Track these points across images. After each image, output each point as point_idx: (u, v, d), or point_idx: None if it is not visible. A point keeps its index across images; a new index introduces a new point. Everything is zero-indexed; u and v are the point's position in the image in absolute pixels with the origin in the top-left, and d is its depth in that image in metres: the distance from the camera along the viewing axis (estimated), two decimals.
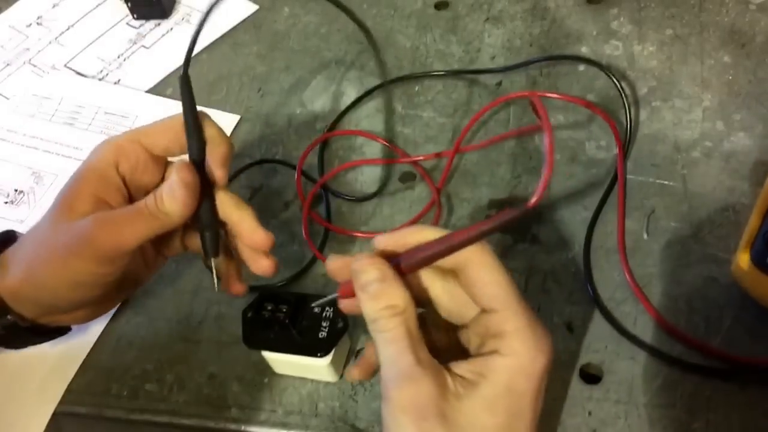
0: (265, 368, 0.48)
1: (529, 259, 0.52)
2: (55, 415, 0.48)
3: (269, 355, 0.45)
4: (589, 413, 0.44)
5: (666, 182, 0.54)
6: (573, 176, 0.56)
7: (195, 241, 0.45)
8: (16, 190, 0.60)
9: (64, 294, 0.41)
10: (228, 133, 0.63)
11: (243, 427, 0.46)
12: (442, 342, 0.37)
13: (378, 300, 0.32)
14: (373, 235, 0.53)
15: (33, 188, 0.60)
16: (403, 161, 0.59)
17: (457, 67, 0.66)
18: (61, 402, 0.48)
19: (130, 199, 0.43)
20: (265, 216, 0.57)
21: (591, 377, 0.46)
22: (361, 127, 0.62)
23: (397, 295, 0.33)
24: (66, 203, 0.41)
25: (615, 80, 0.60)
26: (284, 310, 0.43)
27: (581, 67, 0.63)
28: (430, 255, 0.33)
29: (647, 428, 0.43)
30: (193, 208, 0.41)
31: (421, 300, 0.36)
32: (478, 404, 0.31)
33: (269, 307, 0.44)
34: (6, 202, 0.59)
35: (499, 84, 0.64)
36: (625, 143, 0.57)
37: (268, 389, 0.48)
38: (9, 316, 0.42)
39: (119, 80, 0.69)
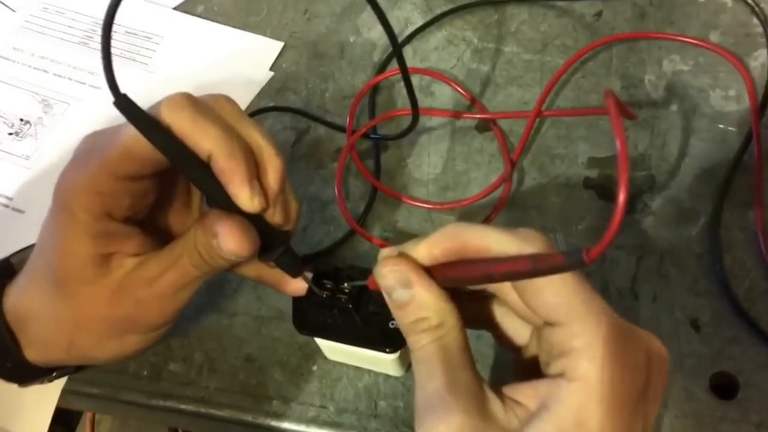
0: (314, 352, 0.40)
1: (641, 235, 0.42)
2: (65, 393, 0.40)
3: (324, 343, 0.37)
4: None
5: None
6: (695, 132, 0.46)
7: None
8: (21, 120, 0.51)
9: (114, 360, 0.36)
10: (269, 62, 0.53)
11: (286, 425, 0.38)
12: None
13: (404, 310, 0.28)
14: (431, 205, 0.44)
15: (41, 118, 0.51)
16: (473, 116, 0.48)
17: None
18: (71, 379, 0.40)
19: (143, 222, 0.34)
20: (310, 165, 0.47)
21: (724, 390, 0.37)
22: (429, 61, 0.52)
23: (427, 306, 0.27)
24: (72, 274, 0.32)
25: (756, 6, 0.48)
26: (346, 290, 0.34)
27: None
28: (459, 278, 0.28)
29: None
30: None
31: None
32: None
33: (328, 285, 0.35)
34: (10, 134, 0.50)
35: (599, 15, 0.52)
36: (763, 94, 0.46)
37: (316, 379, 0.39)
38: (54, 373, 0.38)
39: None
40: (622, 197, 0.22)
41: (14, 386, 0.38)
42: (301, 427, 0.38)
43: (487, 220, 0.43)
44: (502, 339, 0.32)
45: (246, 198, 0.30)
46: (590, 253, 0.23)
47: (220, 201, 0.30)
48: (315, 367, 0.40)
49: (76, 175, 0.31)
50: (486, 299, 0.31)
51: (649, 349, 0.26)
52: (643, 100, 0.48)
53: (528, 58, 0.51)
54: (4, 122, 0.51)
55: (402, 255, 0.29)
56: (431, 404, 0.26)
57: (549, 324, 0.27)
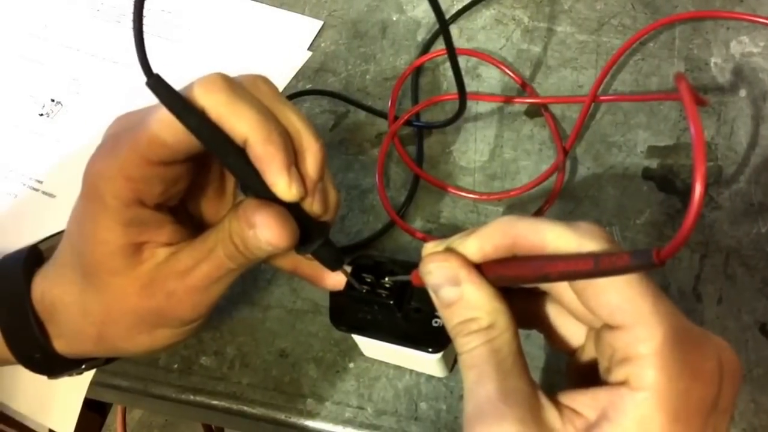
0: (350, 348, 0.38)
1: (705, 231, 0.39)
2: (94, 386, 0.39)
3: (362, 339, 0.34)
4: None
5: None
6: (765, 120, 0.42)
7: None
8: (52, 101, 0.50)
9: (145, 353, 0.34)
10: (307, 42, 0.51)
11: (321, 426, 0.36)
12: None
13: (451, 309, 0.26)
14: (477, 195, 0.42)
15: (72, 99, 0.50)
16: (523, 101, 0.45)
17: None
18: (99, 371, 0.39)
19: (174, 210, 0.32)
20: (349, 151, 0.45)
21: None
22: (476, 41, 0.49)
23: (477, 306, 0.25)
24: (102, 264, 0.30)
25: None
26: (387, 285, 0.32)
27: None
28: (512, 276, 0.25)
29: None
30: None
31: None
32: None
33: (368, 279, 0.32)
34: (41, 114, 0.49)
35: None
36: None
37: (353, 378, 0.37)
38: (83, 365, 0.36)
39: None
40: (698, 191, 0.20)
41: (43, 378, 0.37)
42: (338, 429, 0.36)
43: (538, 213, 0.40)
44: (554, 340, 0.29)
45: (284, 186, 0.27)
46: (661, 254, 0.21)
47: (256, 188, 0.28)
48: (352, 365, 0.37)
49: (105, 160, 0.29)
50: (537, 297, 0.29)
51: (720, 358, 0.24)
52: (709, 85, 0.44)
53: (582, 38, 0.48)
54: (35, 103, 0.49)
55: (449, 250, 0.26)
56: (482, 412, 0.24)
57: (610, 327, 0.24)
